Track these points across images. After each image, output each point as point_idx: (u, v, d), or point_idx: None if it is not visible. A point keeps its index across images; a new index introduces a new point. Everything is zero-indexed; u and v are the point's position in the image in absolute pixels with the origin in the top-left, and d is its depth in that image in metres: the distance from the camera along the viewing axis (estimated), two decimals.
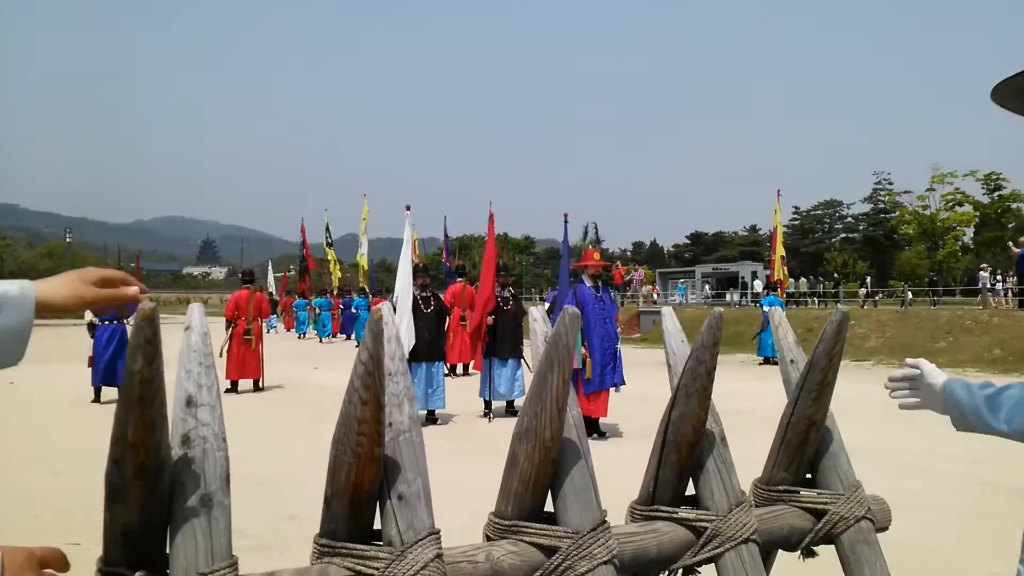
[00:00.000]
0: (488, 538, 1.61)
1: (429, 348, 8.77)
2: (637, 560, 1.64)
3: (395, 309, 8.73)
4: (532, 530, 1.55)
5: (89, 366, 10.79)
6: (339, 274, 29.68)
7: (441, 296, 10.04)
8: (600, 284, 8.18)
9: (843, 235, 71.42)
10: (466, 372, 14.46)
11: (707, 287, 41.43)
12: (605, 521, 1.58)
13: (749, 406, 10.02)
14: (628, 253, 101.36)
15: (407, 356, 8.41)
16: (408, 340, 8.51)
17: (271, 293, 33.58)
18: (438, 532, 1.43)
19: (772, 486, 1.90)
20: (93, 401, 10.68)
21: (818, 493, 1.87)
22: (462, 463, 6.77)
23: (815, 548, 1.91)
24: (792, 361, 2.01)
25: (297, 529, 4.96)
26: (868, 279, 41.88)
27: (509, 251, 64.20)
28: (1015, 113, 1.44)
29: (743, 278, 40.19)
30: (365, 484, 1.40)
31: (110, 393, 10.80)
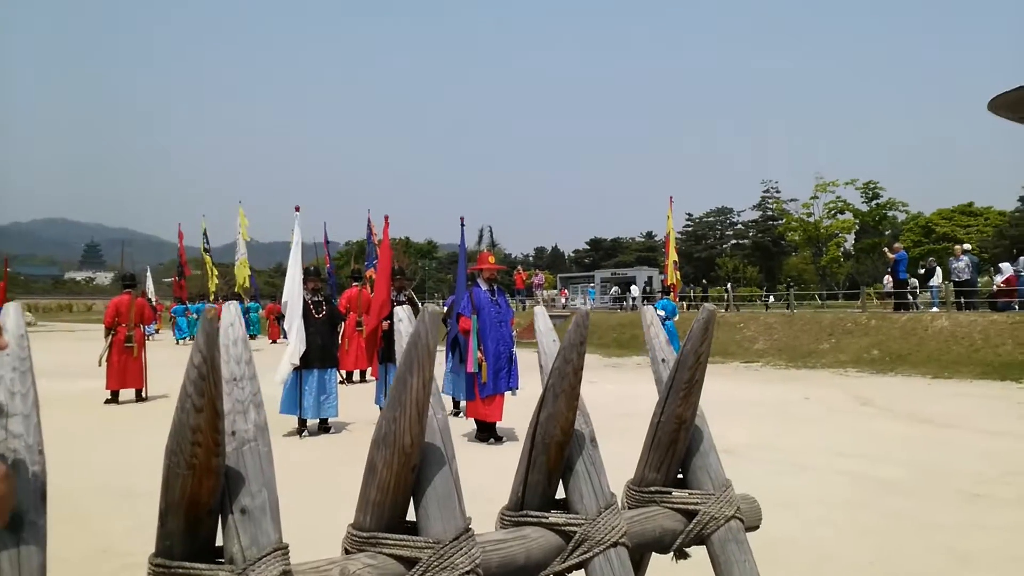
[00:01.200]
0: (347, 551, 1.52)
1: (321, 354, 8.52)
2: (505, 568, 1.59)
3: (284, 314, 8.47)
4: (391, 541, 1.47)
5: None
6: (215, 281, 29.65)
7: (334, 301, 9.80)
8: (496, 288, 8.15)
9: (734, 241, 74.12)
10: (363, 379, 14.18)
11: (615, 290, 42.34)
12: (469, 529, 1.51)
13: (645, 408, 10.17)
14: (530, 258, 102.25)
15: (297, 362, 8.18)
16: (299, 346, 8.26)
17: (151, 299, 33.16)
18: (285, 547, 1.33)
19: (644, 487, 1.88)
20: None
21: (689, 493, 1.86)
22: (354, 473, 6.55)
23: (688, 549, 1.91)
24: (663, 360, 2.00)
25: None
26: (729, 284, 43.47)
27: (411, 255, 63.67)
28: (1009, 120, 1.43)
29: (642, 282, 41.45)
30: (203, 498, 1.29)
31: None
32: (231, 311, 1.49)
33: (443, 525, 1.49)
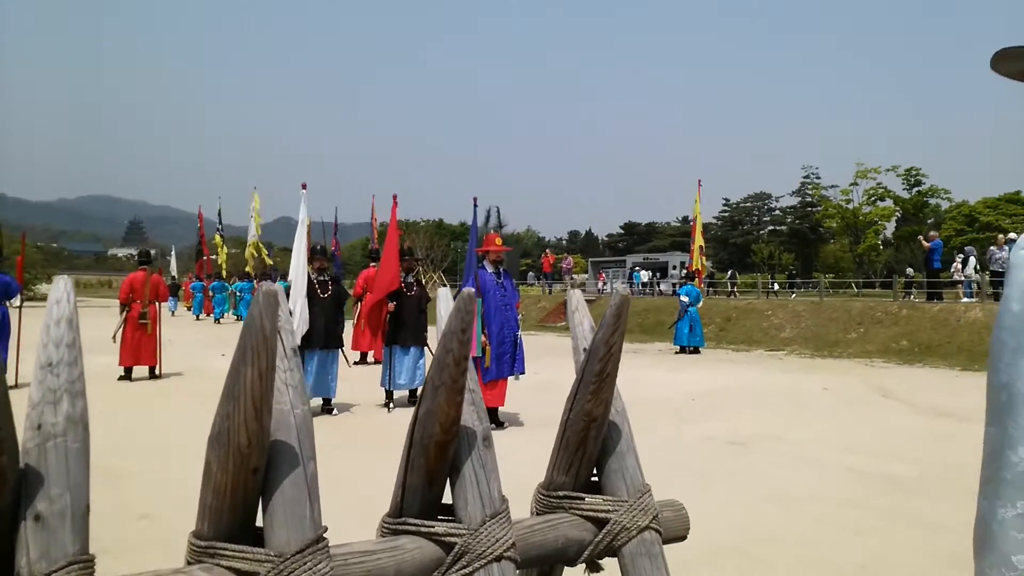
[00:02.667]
0: (188, 562, 1.35)
1: (325, 335, 8.42)
2: None
3: (288, 292, 8.37)
4: (230, 552, 1.30)
5: None
6: (224, 259, 31.99)
7: (341, 281, 9.69)
8: (502, 271, 7.96)
9: (771, 227, 72.93)
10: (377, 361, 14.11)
11: (653, 275, 41.67)
12: (320, 540, 1.33)
13: (646, 396, 9.96)
14: (564, 242, 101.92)
15: (299, 343, 8.08)
16: (301, 326, 8.16)
17: (173, 276, 34.75)
18: (85, 561, 1.17)
19: (552, 492, 1.70)
20: None
21: (603, 500, 1.67)
22: (353, 455, 6.53)
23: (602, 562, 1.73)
24: (585, 350, 1.80)
25: (147, 529, 4.62)
26: (731, 271, 42.49)
27: (444, 237, 63.69)
28: (1008, 77, 1.29)
29: (675, 267, 40.91)
30: None
31: None
32: (60, 286, 1.32)
33: (288, 535, 1.31)
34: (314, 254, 8.58)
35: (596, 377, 1.60)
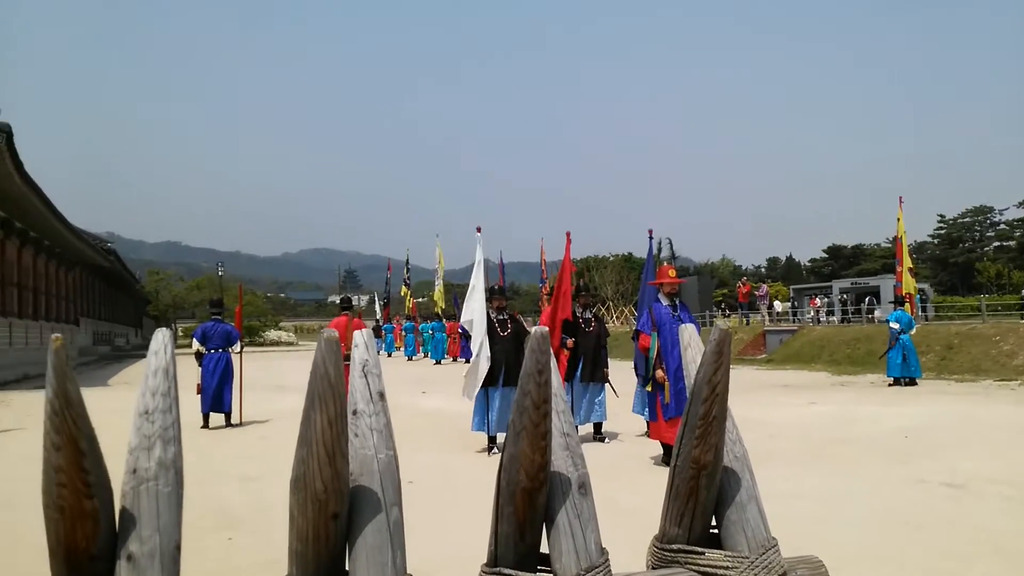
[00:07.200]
0: None
1: (507, 372, 8.53)
2: None
3: (468, 333, 8.59)
4: None
5: (198, 393, 11.20)
6: (410, 305, 35.74)
7: (521, 319, 9.82)
8: (678, 303, 7.71)
9: (996, 243, 65.97)
10: None
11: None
12: None
13: (862, 432, 9.21)
14: (763, 269, 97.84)
15: (480, 382, 8.25)
16: (484, 364, 8.34)
17: (377, 320, 38.22)
18: None
19: (666, 544, 1.56)
20: (202, 427, 11.07)
21: (722, 555, 1.52)
22: None
23: None
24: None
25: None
26: (923, 291, 38.01)
27: (634, 271, 63.18)
28: None
29: (887, 291, 37.57)
30: (80, 543, 1.20)
31: (217, 419, 11.20)
32: (159, 339, 1.40)
33: None
34: (493, 294, 8.77)
35: (701, 420, 1.47)
